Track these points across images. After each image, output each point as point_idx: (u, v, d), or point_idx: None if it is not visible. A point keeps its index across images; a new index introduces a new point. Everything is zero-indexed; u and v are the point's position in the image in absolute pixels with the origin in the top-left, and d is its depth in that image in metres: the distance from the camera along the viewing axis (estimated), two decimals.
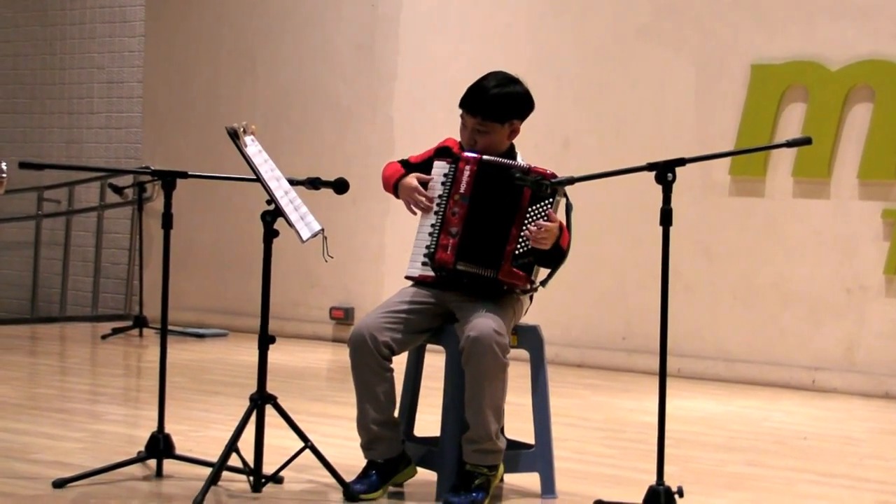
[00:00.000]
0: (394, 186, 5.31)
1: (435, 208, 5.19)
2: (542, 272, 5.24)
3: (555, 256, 5.16)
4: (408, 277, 5.31)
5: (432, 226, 5.19)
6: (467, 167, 5.16)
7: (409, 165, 5.38)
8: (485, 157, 5.17)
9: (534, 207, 5.10)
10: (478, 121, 5.21)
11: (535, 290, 5.22)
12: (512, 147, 5.32)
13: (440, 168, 5.23)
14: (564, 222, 5.17)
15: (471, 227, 5.13)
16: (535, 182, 5.00)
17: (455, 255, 5.13)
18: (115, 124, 12.44)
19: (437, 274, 5.19)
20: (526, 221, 5.10)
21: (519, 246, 5.11)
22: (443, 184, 5.20)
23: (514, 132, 5.29)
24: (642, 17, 9.56)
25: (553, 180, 4.99)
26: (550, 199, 5.10)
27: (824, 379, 8.84)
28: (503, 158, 5.20)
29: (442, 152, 5.31)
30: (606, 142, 9.63)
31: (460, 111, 5.26)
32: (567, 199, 5.19)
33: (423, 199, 5.21)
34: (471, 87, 5.26)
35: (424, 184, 5.24)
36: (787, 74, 9.02)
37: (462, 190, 5.16)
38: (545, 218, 5.09)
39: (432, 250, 5.16)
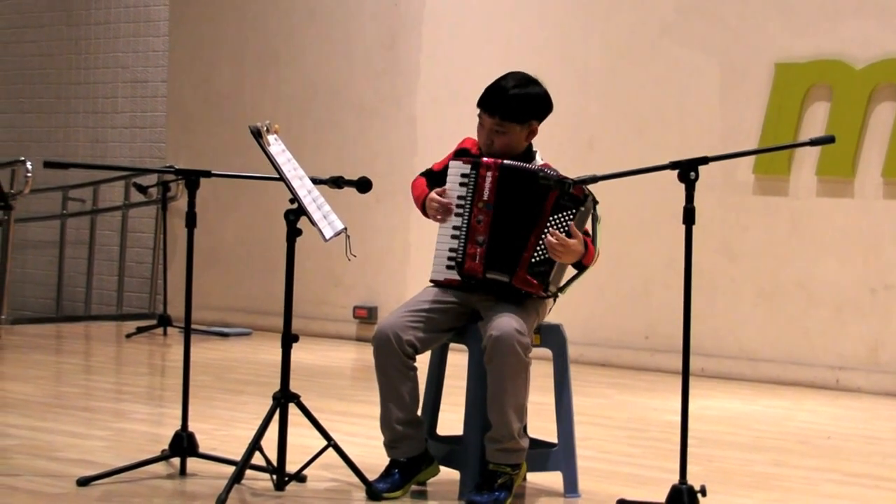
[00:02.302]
0: (422, 207, 5.30)
1: (457, 210, 5.17)
2: (563, 278, 5.18)
3: (575, 267, 5.14)
4: (432, 281, 5.30)
5: (455, 228, 5.18)
6: (489, 173, 5.13)
7: (432, 174, 5.37)
8: (506, 161, 5.14)
9: (556, 216, 5.07)
10: (496, 121, 5.20)
11: (553, 296, 5.19)
12: (530, 147, 5.31)
13: (456, 168, 5.20)
14: (591, 234, 5.14)
15: (496, 235, 5.11)
16: (558, 181, 5.00)
17: (483, 264, 5.12)
18: (139, 123, 12.48)
19: (470, 282, 5.18)
20: (546, 229, 5.08)
21: (536, 254, 5.08)
22: (461, 184, 5.18)
23: (532, 133, 5.27)
24: (666, 17, 9.54)
25: (576, 179, 4.97)
26: (574, 210, 5.06)
27: (848, 378, 8.81)
28: (521, 161, 5.18)
29: (460, 154, 5.30)
30: (630, 141, 9.62)
31: (478, 111, 5.25)
32: (595, 212, 5.13)
33: (444, 203, 5.18)
34: (489, 87, 5.24)
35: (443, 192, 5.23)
36: (812, 73, 8.99)
37: (486, 197, 5.13)
38: (566, 229, 5.06)
39: (460, 260, 5.15)
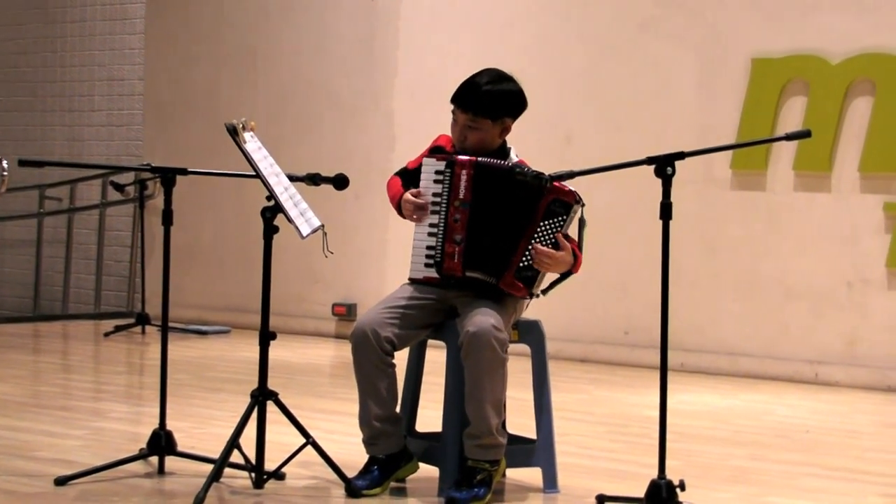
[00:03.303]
0: (398, 207, 5.30)
1: (433, 208, 5.17)
2: (545, 280, 5.20)
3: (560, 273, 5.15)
4: (411, 279, 5.29)
5: (431, 226, 5.17)
6: (464, 171, 5.13)
7: (407, 173, 5.36)
8: (480, 159, 5.14)
9: (546, 222, 5.07)
10: (469, 117, 5.20)
11: (535, 297, 5.20)
12: (504, 144, 5.31)
13: (431, 165, 5.20)
14: (576, 239, 5.14)
15: (474, 233, 5.11)
16: (535, 177, 5.00)
17: (462, 263, 5.12)
18: (115, 122, 12.44)
19: (444, 280, 5.17)
20: (536, 236, 5.07)
21: (524, 259, 5.09)
22: (436, 181, 5.18)
23: (506, 130, 5.27)
24: (644, 11, 9.55)
25: (552, 174, 4.97)
26: (564, 217, 5.06)
27: (827, 372, 8.83)
28: (496, 158, 5.18)
29: (435, 151, 5.29)
30: (608, 136, 9.63)
31: (452, 107, 5.25)
32: (582, 216, 5.14)
33: (419, 202, 5.18)
34: (463, 83, 5.24)
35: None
36: (788, 68, 9.01)
37: (461, 195, 5.13)
38: (553, 240, 5.05)
39: (439, 259, 5.15)
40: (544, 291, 5.20)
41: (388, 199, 5.39)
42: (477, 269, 5.11)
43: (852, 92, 8.84)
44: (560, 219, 5.07)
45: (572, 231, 5.13)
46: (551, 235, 5.07)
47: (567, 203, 5.06)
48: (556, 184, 5.04)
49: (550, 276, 5.18)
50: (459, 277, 5.14)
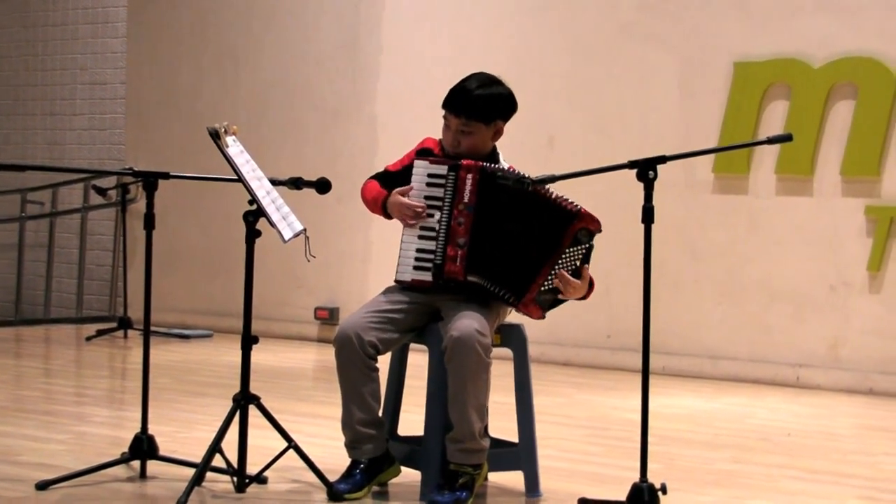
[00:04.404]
0: (382, 207, 5.28)
1: (429, 210, 5.15)
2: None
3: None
4: (398, 282, 5.27)
5: (425, 229, 5.16)
6: (469, 175, 5.12)
7: (387, 176, 5.35)
8: (486, 164, 5.14)
9: (571, 250, 5.08)
10: (462, 121, 5.20)
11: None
12: (494, 149, 5.32)
13: (423, 167, 5.20)
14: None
15: (478, 238, 5.11)
16: (517, 180, 5.00)
17: (464, 266, 5.12)
18: (97, 125, 12.42)
19: (443, 283, 5.16)
20: (560, 262, 5.08)
21: (547, 282, 5.09)
22: (431, 185, 5.17)
23: (498, 133, 5.28)
24: (626, 15, 9.57)
25: (535, 178, 4.97)
26: (587, 245, 5.07)
27: (808, 376, 8.85)
28: (487, 162, 5.19)
29: (423, 153, 5.29)
30: (591, 139, 9.64)
31: (443, 112, 5.25)
32: (590, 242, 5.16)
33: (414, 204, 5.17)
34: (454, 88, 5.24)
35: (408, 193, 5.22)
36: (770, 72, 9.03)
37: (466, 199, 5.12)
38: (574, 266, 5.07)
39: (439, 262, 5.13)
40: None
41: (366, 201, 5.36)
42: (479, 275, 5.11)
43: (834, 96, 8.86)
44: (584, 247, 5.10)
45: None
46: (574, 262, 5.09)
47: (592, 232, 5.09)
48: (583, 211, 5.06)
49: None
50: (461, 282, 5.13)
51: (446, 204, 5.14)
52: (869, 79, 8.72)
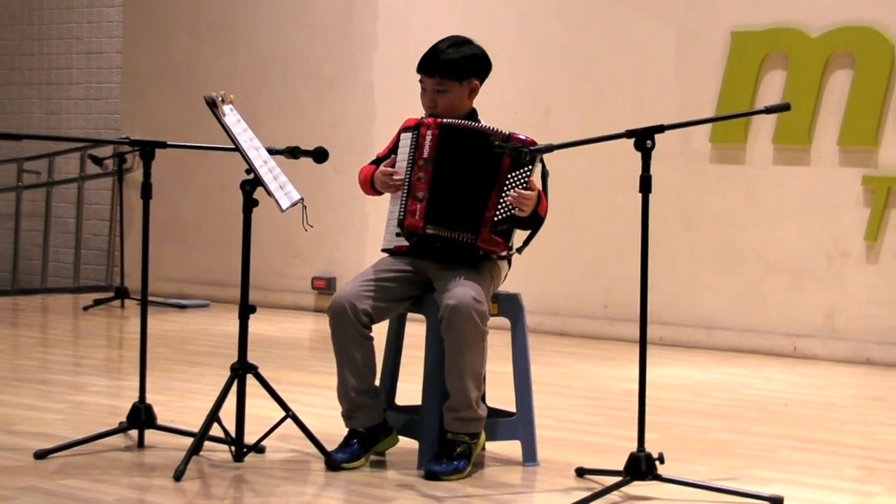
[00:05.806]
0: (371, 185, 5.32)
1: (405, 176, 5.21)
2: (518, 238, 5.24)
3: (532, 223, 5.17)
4: (384, 250, 5.33)
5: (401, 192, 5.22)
6: (429, 132, 5.18)
7: (378, 162, 5.39)
8: (446, 120, 5.18)
9: (513, 174, 5.11)
10: (436, 81, 5.25)
11: (512, 255, 5.23)
12: (474, 110, 5.33)
13: (405, 139, 5.26)
14: (541, 188, 5.18)
15: (437, 190, 5.15)
16: (514, 150, 5.00)
17: (424, 219, 5.14)
18: (94, 95, 12.39)
19: (409, 241, 5.20)
20: (505, 188, 5.10)
21: (498, 212, 5.12)
22: (409, 154, 5.21)
23: (474, 91, 5.31)
24: None
25: (532, 148, 4.98)
26: (530, 167, 5.11)
27: (805, 346, 8.86)
28: (466, 121, 5.22)
29: (407, 130, 5.31)
30: (588, 110, 9.62)
31: (419, 77, 5.28)
32: (543, 166, 5.21)
33: (395, 174, 5.21)
34: (426, 52, 5.30)
35: (393, 165, 5.27)
36: (767, 41, 9.02)
37: (425, 154, 5.18)
38: (525, 186, 5.10)
39: (401, 217, 5.18)
40: (519, 249, 5.25)
41: (361, 185, 5.43)
42: (445, 227, 5.13)
43: (831, 65, 8.85)
44: (526, 169, 5.10)
45: (535, 180, 5.16)
46: (521, 186, 5.09)
47: (527, 153, 5.07)
48: (513, 135, 5.07)
49: (522, 234, 5.20)
50: (421, 234, 5.14)
51: (409, 162, 5.18)
52: (866, 48, 8.71)
